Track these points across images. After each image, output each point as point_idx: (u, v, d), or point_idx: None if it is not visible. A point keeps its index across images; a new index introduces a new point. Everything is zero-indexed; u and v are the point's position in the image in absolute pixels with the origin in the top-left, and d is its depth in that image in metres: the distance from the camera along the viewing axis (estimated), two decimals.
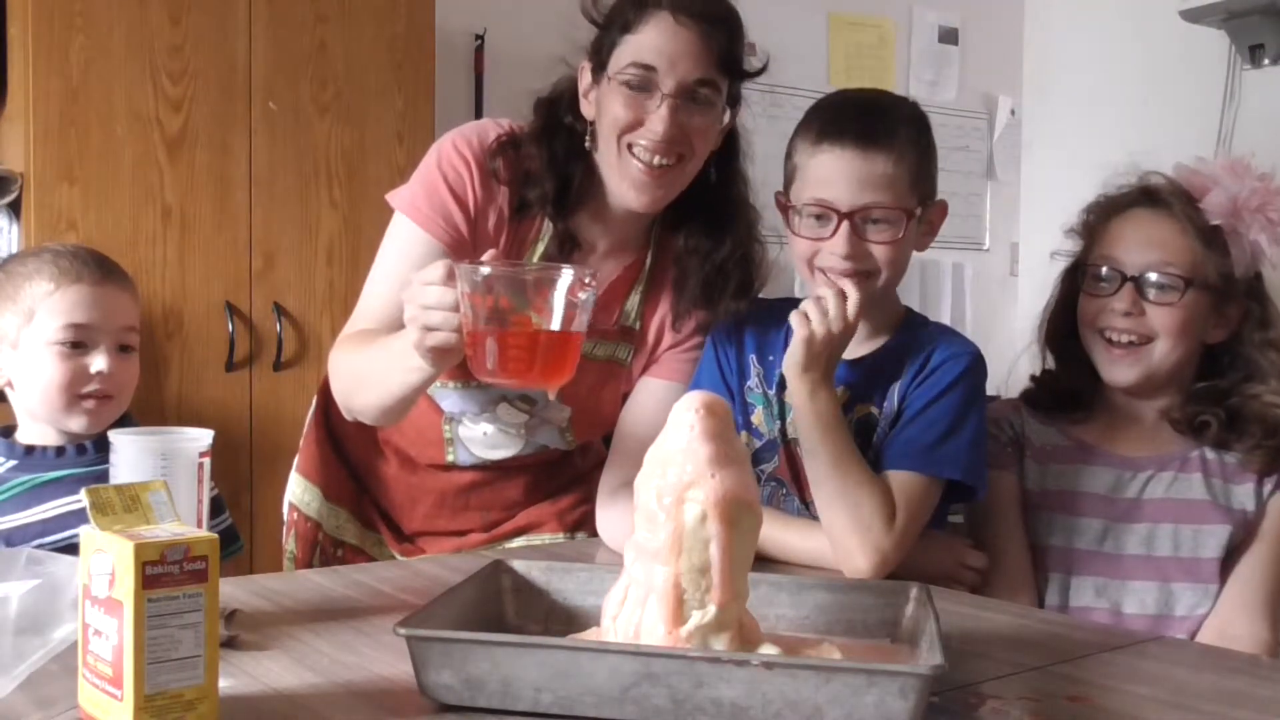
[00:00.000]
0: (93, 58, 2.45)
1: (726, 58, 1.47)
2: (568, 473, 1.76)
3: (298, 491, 1.77)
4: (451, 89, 3.16)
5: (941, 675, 0.85)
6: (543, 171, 1.53)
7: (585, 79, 1.53)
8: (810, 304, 1.42)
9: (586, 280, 1.16)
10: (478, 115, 3.28)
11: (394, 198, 1.58)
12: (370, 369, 1.45)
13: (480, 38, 3.30)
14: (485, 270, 1.16)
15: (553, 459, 1.73)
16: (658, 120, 1.44)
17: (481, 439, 1.66)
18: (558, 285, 1.15)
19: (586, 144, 1.54)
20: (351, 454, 1.76)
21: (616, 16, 1.48)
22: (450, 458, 1.67)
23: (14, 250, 2.41)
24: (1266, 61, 3.70)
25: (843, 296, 1.41)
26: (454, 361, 1.29)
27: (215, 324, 2.61)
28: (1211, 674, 1.10)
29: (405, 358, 1.32)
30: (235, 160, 2.62)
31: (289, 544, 1.77)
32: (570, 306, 1.15)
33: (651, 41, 1.44)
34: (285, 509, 1.79)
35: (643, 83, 1.45)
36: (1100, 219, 1.62)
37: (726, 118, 1.53)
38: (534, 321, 1.15)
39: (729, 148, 1.57)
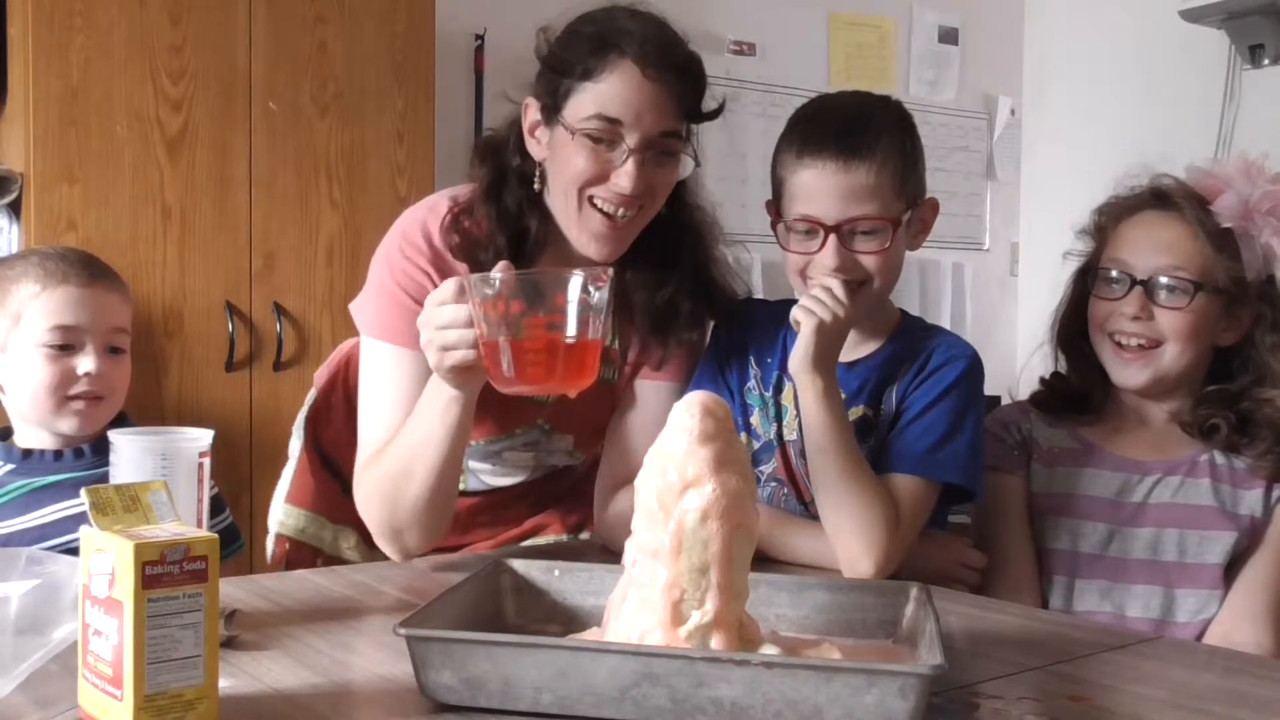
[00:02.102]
0: (93, 58, 2.45)
1: (691, 106, 1.43)
2: (569, 479, 1.76)
3: (289, 522, 1.71)
4: (451, 89, 3.16)
5: (942, 675, 0.85)
6: (493, 230, 1.46)
7: (532, 116, 1.46)
8: (806, 299, 1.42)
9: (600, 278, 1.15)
10: (478, 115, 3.28)
11: (365, 324, 1.51)
12: (406, 450, 1.38)
13: (480, 38, 3.30)
14: (496, 279, 1.15)
15: (557, 473, 1.73)
16: (624, 176, 1.39)
17: (491, 469, 1.65)
18: (570, 288, 1.14)
19: (536, 185, 1.47)
20: (349, 476, 1.66)
21: (575, 60, 1.40)
22: (460, 486, 1.65)
23: (14, 250, 2.41)
24: (1266, 61, 3.70)
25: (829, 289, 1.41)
26: (478, 380, 1.27)
27: (215, 324, 2.61)
28: (1212, 674, 1.10)
29: (435, 399, 1.32)
30: (235, 160, 2.62)
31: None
32: (585, 308, 1.14)
33: (616, 93, 1.37)
34: (272, 541, 1.73)
35: (607, 136, 1.38)
36: (1111, 221, 1.62)
37: (689, 168, 1.47)
38: (550, 327, 1.14)
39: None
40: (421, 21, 2.86)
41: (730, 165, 3.78)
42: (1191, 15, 3.68)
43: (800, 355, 1.40)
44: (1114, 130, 3.96)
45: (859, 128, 1.45)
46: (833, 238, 1.43)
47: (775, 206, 1.52)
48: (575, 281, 1.14)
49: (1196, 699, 1.01)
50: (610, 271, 1.17)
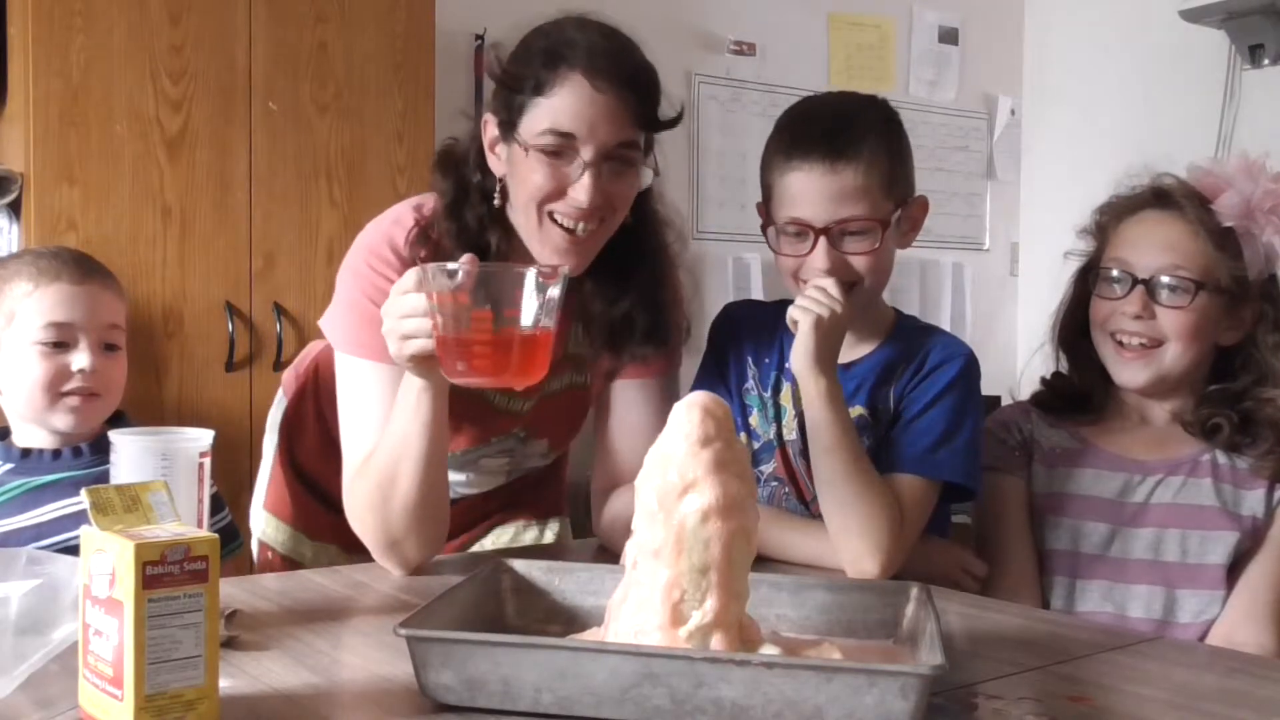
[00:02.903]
0: (93, 58, 2.45)
1: (646, 115, 1.40)
2: (535, 475, 1.76)
3: (270, 531, 1.71)
4: (451, 89, 3.16)
5: (942, 675, 0.85)
6: (453, 248, 1.43)
7: (490, 132, 1.45)
8: (802, 298, 1.42)
9: (551, 274, 1.15)
10: (478, 115, 3.27)
11: (338, 340, 1.49)
12: (388, 455, 1.36)
13: (480, 38, 3.30)
14: (451, 271, 1.16)
15: (528, 474, 1.73)
16: (581, 190, 1.36)
17: (465, 480, 1.65)
18: (524, 283, 1.14)
19: (496, 201, 1.45)
20: (326, 490, 1.66)
21: (527, 76, 1.38)
22: None
23: (15, 250, 2.41)
24: (1266, 61, 3.70)
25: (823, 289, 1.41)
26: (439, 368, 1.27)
27: (215, 324, 2.61)
28: (1212, 674, 1.10)
29: (406, 393, 1.31)
30: (235, 160, 2.62)
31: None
32: (537, 304, 1.15)
33: (568, 106, 1.35)
34: (256, 547, 1.73)
35: (562, 150, 1.36)
36: (1112, 220, 1.62)
37: (649, 178, 1.45)
38: (501, 321, 1.15)
39: (644, 190, 1.50)
40: (421, 21, 2.86)
41: (730, 165, 3.78)
42: (1191, 15, 3.68)
43: (801, 353, 1.41)
44: (1114, 130, 3.96)
45: (845, 129, 1.45)
46: (823, 240, 1.43)
47: (765, 209, 1.52)
48: (528, 277, 1.15)
49: (1197, 699, 1.01)
50: (564, 268, 1.17)
